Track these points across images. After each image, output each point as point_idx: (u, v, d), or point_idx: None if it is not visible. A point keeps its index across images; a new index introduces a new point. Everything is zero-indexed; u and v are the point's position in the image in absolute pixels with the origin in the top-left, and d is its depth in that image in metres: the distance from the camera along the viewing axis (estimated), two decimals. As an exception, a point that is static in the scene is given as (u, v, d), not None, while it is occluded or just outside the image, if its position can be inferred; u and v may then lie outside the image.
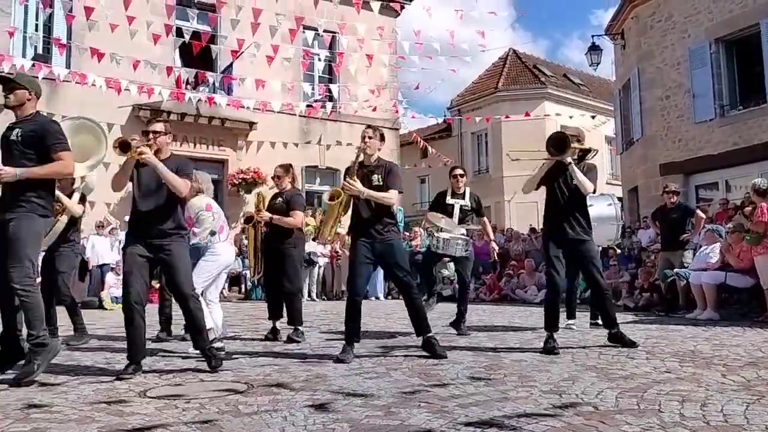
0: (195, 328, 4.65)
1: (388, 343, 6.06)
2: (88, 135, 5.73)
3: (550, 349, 5.17)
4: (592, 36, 18.20)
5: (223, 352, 5.17)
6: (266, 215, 6.33)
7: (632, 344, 5.34)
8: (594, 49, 17.69)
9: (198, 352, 4.79)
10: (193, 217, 5.52)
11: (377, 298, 13.93)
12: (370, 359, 4.94)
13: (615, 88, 20.22)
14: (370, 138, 5.15)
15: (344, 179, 5.13)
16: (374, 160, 5.19)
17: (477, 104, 26.56)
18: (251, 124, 16.37)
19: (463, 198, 6.76)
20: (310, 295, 13.99)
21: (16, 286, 3.96)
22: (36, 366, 3.95)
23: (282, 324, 6.52)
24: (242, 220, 6.37)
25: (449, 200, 6.73)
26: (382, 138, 5.28)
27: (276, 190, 6.72)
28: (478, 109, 25.69)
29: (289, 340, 6.19)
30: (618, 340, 5.45)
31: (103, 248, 12.82)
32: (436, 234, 6.50)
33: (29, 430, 2.95)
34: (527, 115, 20.68)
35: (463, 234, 6.53)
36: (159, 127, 4.52)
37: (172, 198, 4.46)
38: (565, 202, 5.41)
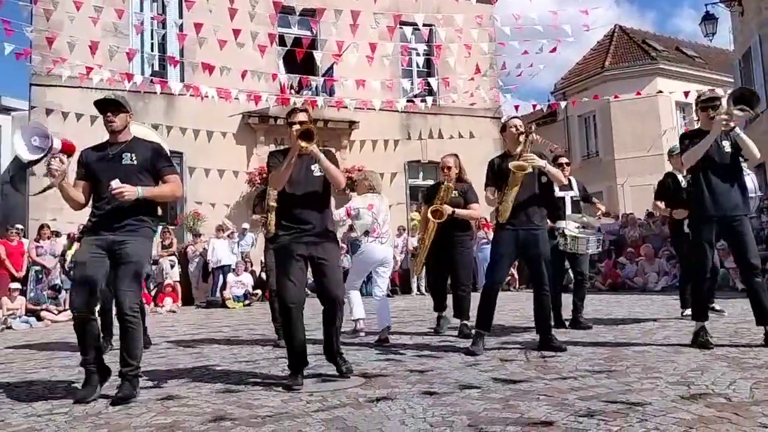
0: (337, 329, 4.23)
1: (501, 335, 5.99)
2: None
3: (703, 343, 4.59)
4: (706, 4, 16.92)
5: (362, 333, 6.11)
6: (448, 209, 6.02)
7: None
8: (708, 18, 16.58)
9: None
10: (352, 212, 5.77)
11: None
12: (484, 352, 4.91)
13: (734, 58, 18.84)
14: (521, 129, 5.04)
15: (519, 158, 4.84)
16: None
17: (583, 86, 25.46)
18: (352, 123, 16.67)
19: (571, 188, 6.33)
20: (419, 290, 14.10)
21: (128, 312, 3.75)
22: (136, 391, 3.76)
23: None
24: (429, 214, 6.04)
25: (558, 193, 6.15)
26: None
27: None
28: (584, 90, 24.66)
29: (462, 335, 5.91)
30: None
31: (222, 250, 13.56)
32: (567, 231, 6.07)
33: (170, 422, 3.18)
34: (638, 93, 19.67)
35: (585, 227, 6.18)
36: (303, 116, 4.19)
37: (326, 192, 4.20)
38: (720, 174, 4.74)
